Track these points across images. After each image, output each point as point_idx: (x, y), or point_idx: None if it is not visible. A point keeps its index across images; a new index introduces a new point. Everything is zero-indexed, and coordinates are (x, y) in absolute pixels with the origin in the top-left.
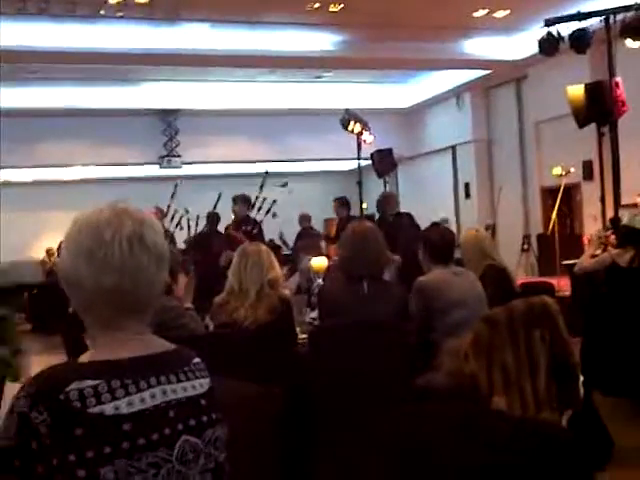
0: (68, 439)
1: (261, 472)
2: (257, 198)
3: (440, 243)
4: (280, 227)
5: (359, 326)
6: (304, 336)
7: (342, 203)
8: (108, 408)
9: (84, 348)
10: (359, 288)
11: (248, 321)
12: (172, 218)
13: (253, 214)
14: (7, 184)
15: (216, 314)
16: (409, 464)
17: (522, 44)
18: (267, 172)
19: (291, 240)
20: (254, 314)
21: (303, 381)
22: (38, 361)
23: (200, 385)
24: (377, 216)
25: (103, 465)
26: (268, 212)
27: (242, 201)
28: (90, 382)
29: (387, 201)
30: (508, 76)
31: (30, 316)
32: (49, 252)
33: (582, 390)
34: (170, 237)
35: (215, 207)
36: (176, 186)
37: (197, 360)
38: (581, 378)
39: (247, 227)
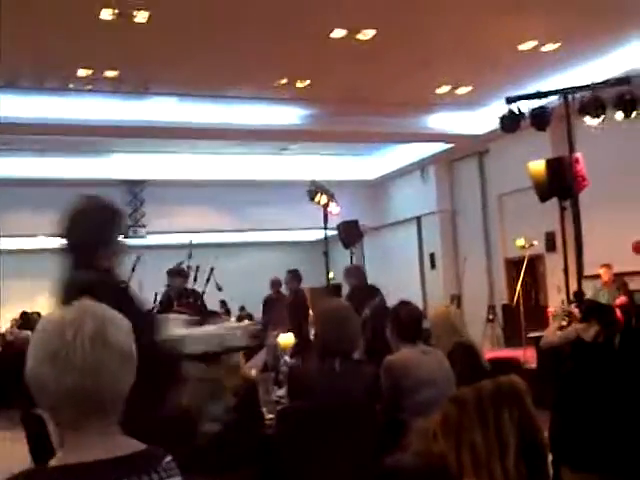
0: None
1: None
2: (189, 268)
3: (408, 322)
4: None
5: (328, 406)
6: (271, 416)
7: (294, 276)
8: None
9: (46, 432)
10: (332, 366)
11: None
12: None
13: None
14: None
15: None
16: None
17: (484, 119)
18: (191, 242)
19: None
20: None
21: (272, 464)
22: None
23: None
24: (345, 287)
25: None
26: (208, 281)
27: (177, 274)
28: None
29: (357, 273)
30: (470, 149)
31: None
32: (12, 323)
33: (551, 469)
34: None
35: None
36: (137, 260)
37: (168, 459)
38: (550, 457)
39: (188, 299)
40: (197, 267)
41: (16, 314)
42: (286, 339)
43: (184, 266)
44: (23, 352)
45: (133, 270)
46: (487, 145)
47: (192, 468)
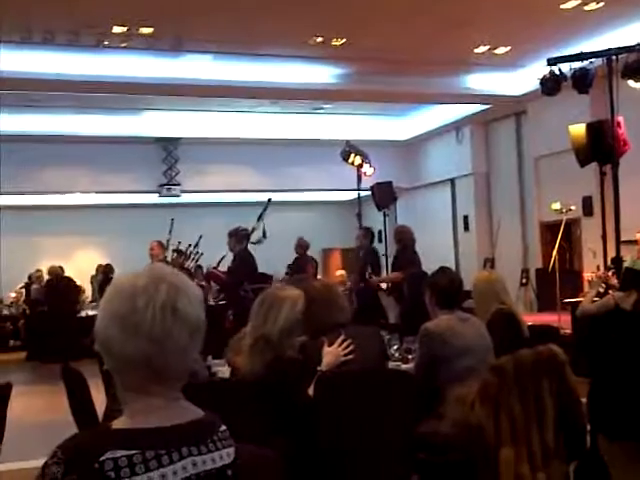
0: None
1: None
2: (254, 229)
3: (448, 288)
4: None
5: (363, 373)
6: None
7: (366, 233)
8: None
9: (85, 387)
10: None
11: (244, 371)
12: (185, 254)
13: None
14: (6, 208)
15: (229, 356)
16: None
17: (522, 80)
18: (270, 200)
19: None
20: (248, 366)
21: (308, 432)
22: (35, 391)
23: (227, 455)
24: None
25: None
26: (256, 242)
27: (235, 235)
28: (124, 452)
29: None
30: (508, 111)
31: (25, 345)
32: (30, 277)
33: (589, 439)
34: (189, 273)
35: (170, 232)
36: (172, 223)
37: (223, 428)
38: (587, 427)
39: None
40: (253, 229)
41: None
42: None
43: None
44: (61, 311)
45: (170, 233)
46: (524, 106)
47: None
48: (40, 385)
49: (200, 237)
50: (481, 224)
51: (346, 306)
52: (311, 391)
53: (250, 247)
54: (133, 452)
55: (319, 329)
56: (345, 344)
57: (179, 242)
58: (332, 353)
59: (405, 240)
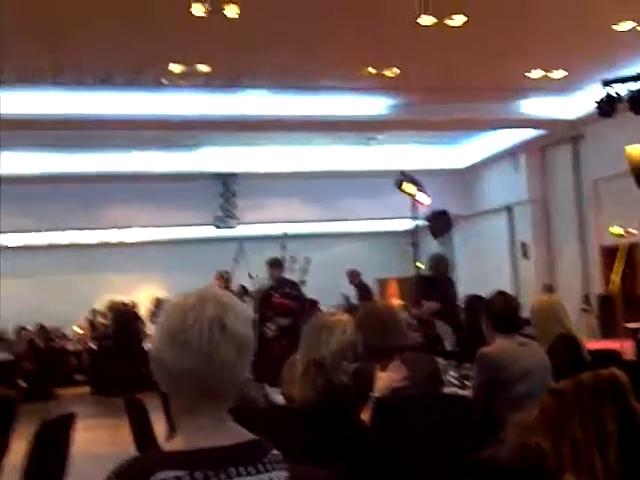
0: None
1: None
2: (283, 258)
3: (504, 311)
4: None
5: (422, 398)
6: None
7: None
8: None
9: (147, 417)
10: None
11: (297, 399)
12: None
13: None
14: (70, 246)
15: (283, 386)
16: None
17: (579, 103)
18: (286, 233)
19: None
20: (300, 392)
21: (364, 459)
22: (99, 424)
23: (277, 477)
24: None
25: None
26: (305, 272)
27: (277, 264)
28: (173, 472)
29: (442, 262)
30: (564, 135)
31: (91, 378)
32: (94, 312)
33: None
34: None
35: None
36: (239, 249)
37: (275, 452)
38: None
39: (286, 290)
40: (292, 257)
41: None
42: None
43: (281, 257)
44: (123, 343)
45: (236, 260)
46: (581, 130)
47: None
48: (104, 418)
49: (250, 276)
50: (540, 250)
51: (404, 331)
52: (364, 416)
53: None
54: (182, 473)
55: (375, 351)
56: (399, 369)
57: (255, 275)
58: (385, 378)
59: (442, 268)
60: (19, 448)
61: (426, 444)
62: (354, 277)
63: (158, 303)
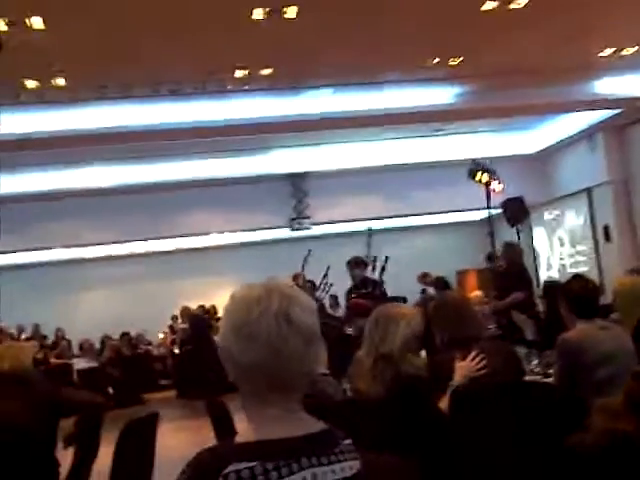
0: None
1: None
2: (367, 257)
3: (583, 296)
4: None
5: (502, 386)
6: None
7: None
8: None
9: (228, 417)
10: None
11: (367, 394)
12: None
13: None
14: (150, 254)
15: (351, 383)
16: None
17: None
18: (370, 229)
19: None
20: (370, 386)
21: (444, 449)
22: (184, 426)
23: (350, 467)
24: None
25: None
26: (383, 270)
27: (357, 264)
28: (246, 464)
29: (514, 250)
30: None
31: (175, 382)
32: (174, 318)
33: None
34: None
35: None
36: (307, 255)
37: (347, 441)
38: None
39: (367, 289)
40: (375, 257)
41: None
42: None
43: (364, 256)
44: (200, 348)
45: (304, 265)
46: None
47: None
48: (188, 420)
49: (328, 268)
50: (623, 233)
51: (480, 320)
52: (443, 406)
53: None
54: (254, 464)
55: (453, 341)
56: (478, 358)
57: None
58: (464, 367)
59: (514, 257)
60: (108, 453)
61: (506, 432)
62: (425, 279)
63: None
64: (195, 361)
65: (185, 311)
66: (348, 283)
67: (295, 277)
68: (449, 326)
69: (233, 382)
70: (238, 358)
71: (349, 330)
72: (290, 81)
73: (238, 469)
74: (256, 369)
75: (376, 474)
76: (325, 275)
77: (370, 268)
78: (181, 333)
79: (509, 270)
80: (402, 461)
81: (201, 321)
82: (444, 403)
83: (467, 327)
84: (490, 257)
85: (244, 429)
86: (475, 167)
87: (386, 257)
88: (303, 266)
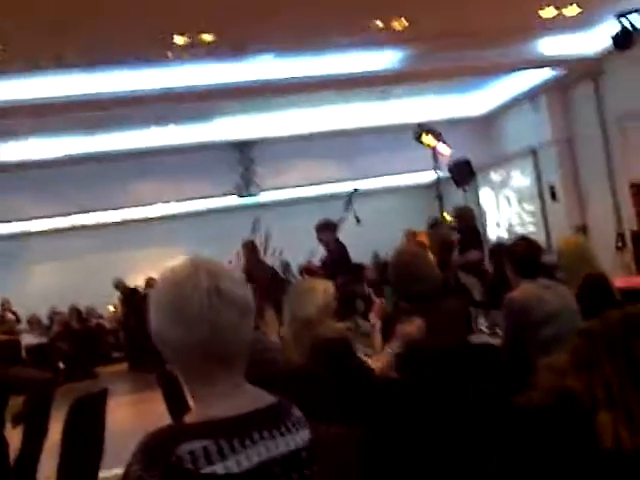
0: None
1: None
2: (341, 219)
3: (527, 256)
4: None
5: (447, 350)
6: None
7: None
8: (219, 468)
9: (180, 390)
10: (423, 309)
11: (292, 361)
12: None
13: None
14: (97, 226)
15: (281, 349)
16: None
17: (596, 39)
18: (356, 190)
19: None
20: (296, 354)
21: (393, 408)
22: (135, 399)
23: (301, 438)
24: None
25: None
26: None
27: (326, 227)
28: (199, 443)
29: (467, 213)
30: (584, 73)
31: (127, 355)
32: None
33: None
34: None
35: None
36: (255, 222)
37: (297, 412)
38: None
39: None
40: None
41: (142, 282)
42: None
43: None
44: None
45: (253, 232)
46: (601, 66)
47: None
48: (141, 394)
49: (268, 235)
50: (569, 192)
51: (430, 276)
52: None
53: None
54: (207, 442)
55: (405, 298)
56: (419, 323)
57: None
58: (404, 334)
59: (466, 219)
60: (60, 429)
61: (453, 394)
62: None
63: (151, 283)
64: (146, 334)
65: (150, 282)
66: (303, 249)
67: (245, 245)
68: (403, 282)
69: (172, 365)
70: (174, 339)
71: None
72: (232, 47)
73: (191, 448)
74: (194, 348)
75: (324, 445)
76: (266, 240)
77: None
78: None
79: (463, 232)
80: (349, 432)
81: (134, 296)
82: (380, 362)
83: (422, 283)
84: (434, 223)
85: (192, 407)
86: (421, 130)
87: (340, 218)
88: (253, 232)
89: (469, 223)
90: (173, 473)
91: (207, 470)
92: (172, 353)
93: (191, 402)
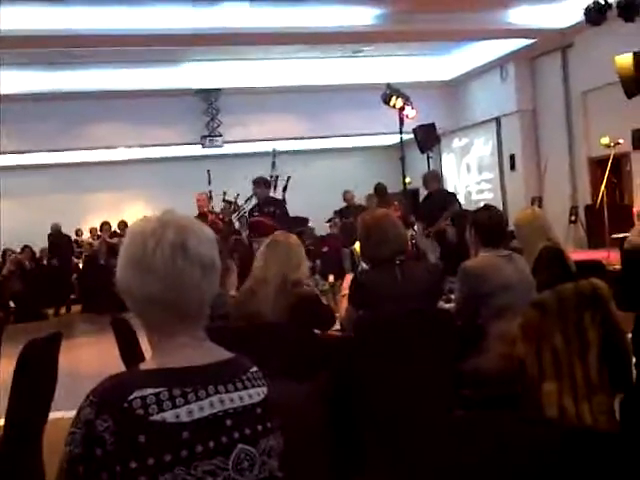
0: (131, 446)
1: (312, 474)
2: (271, 177)
3: (489, 225)
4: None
5: (403, 314)
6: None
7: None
8: (169, 416)
9: (133, 336)
10: (391, 272)
11: (268, 316)
12: (235, 204)
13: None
14: (55, 166)
15: (242, 303)
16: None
17: (567, 12)
18: (275, 150)
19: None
20: (274, 309)
21: (348, 371)
22: (88, 342)
23: (256, 394)
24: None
25: (163, 473)
26: (285, 190)
27: (262, 183)
28: (152, 390)
29: (434, 178)
30: (553, 45)
31: (80, 296)
32: (92, 231)
33: (635, 372)
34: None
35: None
36: (209, 173)
37: (254, 369)
38: (633, 360)
39: (269, 209)
40: (277, 177)
41: (98, 224)
42: None
43: (268, 176)
44: (107, 260)
45: (209, 183)
46: (571, 39)
47: (271, 372)
48: (93, 336)
49: (237, 195)
50: (528, 162)
51: (396, 238)
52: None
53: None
54: (160, 390)
55: (373, 262)
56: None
57: (224, 193)
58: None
59: (437, 182)
60: (9, 368)
61: (407, 358)
62: (346, 195)
63: (123, 226)
64: (101, 275)
65: (122, 224)
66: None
67: (200, 198)
68: (372, 245)
69: (134, 314)
70: (136, 291)
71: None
72: None
73: (143, 395)
74: (155, 301)
75: (282, 401)
76: (224, 193)
77: (272, 188)
78: (88, 247)
79: (432, 195)
80: (308, 389)
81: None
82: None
83: (388, 247)
84: (378, 188)
85: (148, 356)
86: (390, 92)
87: (288, 177)
88: (209, 183)
89: (441, 187)
90: (124, 419)
91: (157, 417)
92: (133, 303)
93: (148, 351)
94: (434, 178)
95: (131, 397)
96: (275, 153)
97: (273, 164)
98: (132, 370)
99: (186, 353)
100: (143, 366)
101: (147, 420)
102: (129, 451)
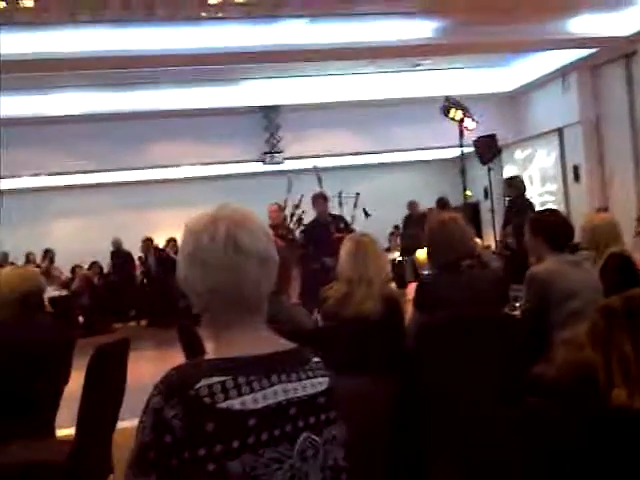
0: (199, 433)
1: (375, 468)
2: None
3: (556, 228)
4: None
5: (469, 318)
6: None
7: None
8: (236, 403)
9: (198, 341)
10: (457, 277)
11: (374, 314)
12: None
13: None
14: (120, 184)
15: (339, 304)
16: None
17: (630, 19)
18: (316, 167)
19: None
20: (373, 306)
21: (412, 378)
22: (155, 356)
23: (319, 384)
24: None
25: (231, 459)
26: (355, 206)
27: (322, 198)
28: (217, 378)
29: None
30: (617, 53)
31: (146, 311)
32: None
33: None
34: (291, 232)
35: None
36: (289, 181)
37: (317, 359)
38: None
39: (339, 225)
40: (340, 193)
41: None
42: (423, 254)
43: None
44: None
45: (289, 191)
46: (634, 47)
47: (336, 367)
48: (160, 349)
49: (302, 196)
50: (592, 173)
51: (462, 242)
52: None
53: None
54: (225, 378)
55: (439, 265)
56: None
57: (296, 206)
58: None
59: (519, 189)
60: (80, 380)
61: (473, 364)
62: (412, 207)
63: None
64: (164, 290)
65: (171, 242)
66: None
67: (272, 210)
68: (438, 248)
69: (198, 310)
70: (196, 286)
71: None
72: (265, 10)
73: (210, 383)
74: (214, 294)
75: (347, 395)
76: (297, 206)
77: (337, 203)
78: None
79: (514, 201)
80: (370, 383)
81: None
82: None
83: (455, 250)
84: (441, 202)
85: (213, 348)
86: (449, 104)
87: (357, 194)
88: (289, 191)
89: (521, 192)
90: (191, 406)
91: (223, 405)
92: (197, 297)
93: (211, 347)
94: (520, 183)
95: (198, 385)
96: (318, 170)
97: (319, 180)
98: (197, 361)
99: (249, 343)
100: (208, 356)
101: (214, 408)
102: (197, 438)
